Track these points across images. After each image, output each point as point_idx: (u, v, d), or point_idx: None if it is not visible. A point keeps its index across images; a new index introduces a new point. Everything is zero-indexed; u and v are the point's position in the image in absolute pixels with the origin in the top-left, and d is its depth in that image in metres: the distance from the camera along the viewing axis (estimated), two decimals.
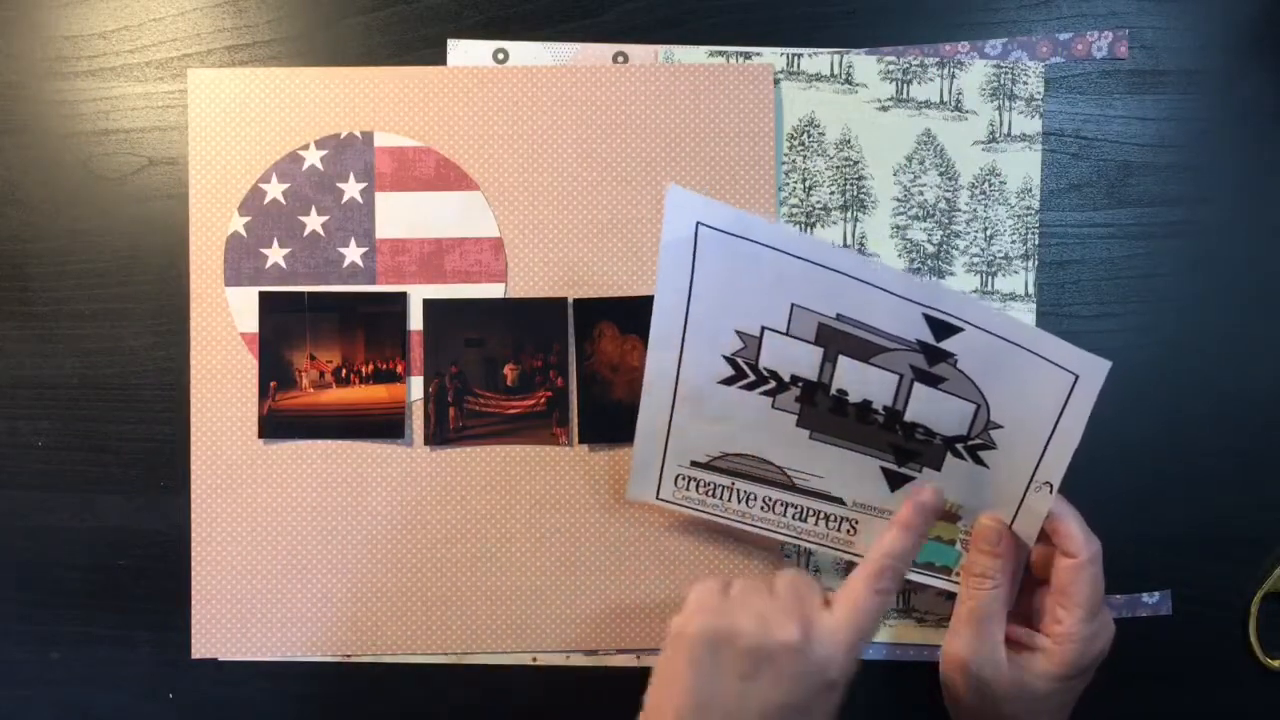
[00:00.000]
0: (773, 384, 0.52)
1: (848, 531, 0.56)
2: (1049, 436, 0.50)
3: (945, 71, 0.60)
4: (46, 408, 0.61)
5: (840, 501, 0.55)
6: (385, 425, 0.59)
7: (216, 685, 0.60)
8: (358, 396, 0.59)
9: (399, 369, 0.59)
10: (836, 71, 0.60)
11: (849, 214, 0.60)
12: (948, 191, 0.60)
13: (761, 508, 0.56)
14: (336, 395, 0.59)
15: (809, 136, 0.60)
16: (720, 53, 0.60)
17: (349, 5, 0.60)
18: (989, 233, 0.60)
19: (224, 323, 0.59)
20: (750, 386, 0.52)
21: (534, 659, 0.60)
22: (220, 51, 0.60)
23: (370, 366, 0.59)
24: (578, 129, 0.59)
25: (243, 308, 0.59)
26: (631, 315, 0.59)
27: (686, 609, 0.49)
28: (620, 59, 0.60)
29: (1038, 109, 0.60)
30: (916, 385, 0.50)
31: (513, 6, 0.60)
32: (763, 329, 0.50)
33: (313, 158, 0.60)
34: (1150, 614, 0.60)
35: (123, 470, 0.60)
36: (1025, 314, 0.60)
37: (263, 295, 0.59)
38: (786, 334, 0.50)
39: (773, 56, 0.60)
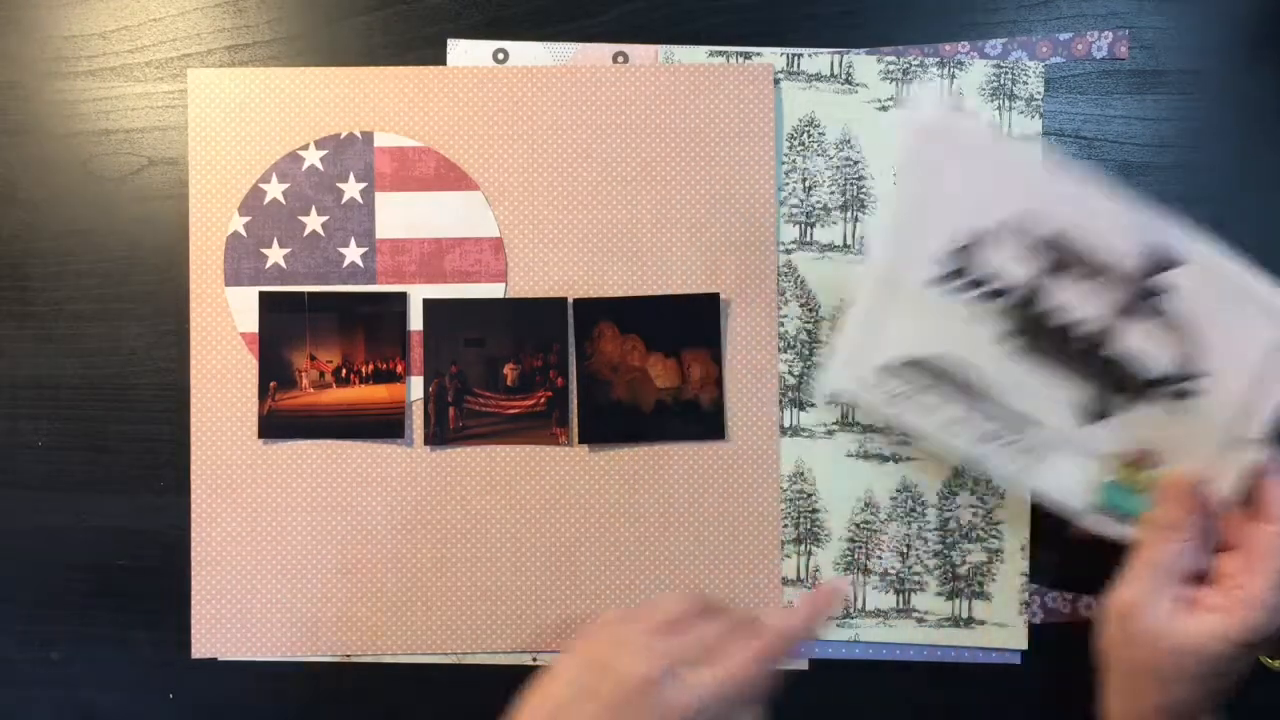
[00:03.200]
0: (982, 291, 0.52)
1: (1025, 464, 0.54)
2: (1259, 390, 0.48)
3: (945, 71, 0.60)
4: (46, 408, 0.61)
5: (1027, 422, 0.53)
6: (385, 425, 0.59)
7: (216, 685, 0.60)
8: (358, 396, 0.59)
9: (399, 369, 0.59)
10: (836, 71, 0.60)
11: (849, 214, 0.60)
12: None
13: (941, 424, 0.54)
14: (336, 395, 0.59)
15: (809, 136, 0.60)
16: (720, 53, 0.60)
17: (349, 5, 0.60)
18: None
19: (224, 323, 0.59)
20: (959, 291, 0.52)
21: (534, 659, 0.60)
22: (220, 51, 0.60)
23: (370, 366, 0.59)
24: (578, 129, 0.59)
25: (243, 308, 0.59)
26: (631, 315, 0.59)
27: (589, 629, 0.48)
28: (620, 59, 0.60)
29: (1038, 109, 0.60)
30: (1127, 317, 0.50)
31: (513, 6, 0.60)
32: (981, 236, 0.51)
33: (313, 158, 0.60)
34: None
35: (123, 470, 0.60)
36: None
37: (263, 295, 0.59)
38: (1004, 245, 0.51)
39: (773, 56, 0.60)
